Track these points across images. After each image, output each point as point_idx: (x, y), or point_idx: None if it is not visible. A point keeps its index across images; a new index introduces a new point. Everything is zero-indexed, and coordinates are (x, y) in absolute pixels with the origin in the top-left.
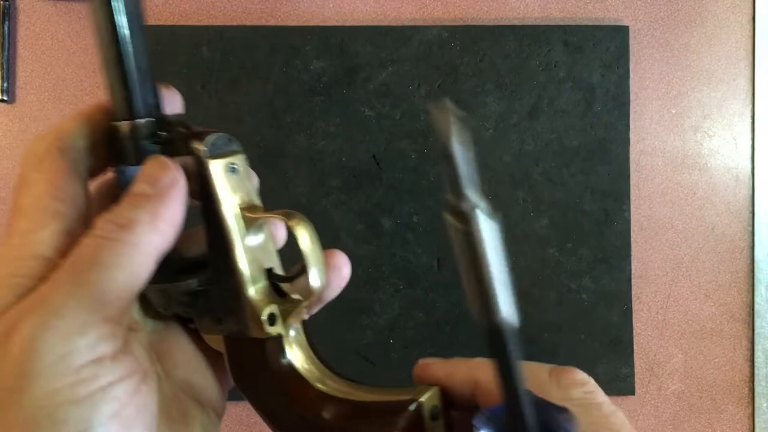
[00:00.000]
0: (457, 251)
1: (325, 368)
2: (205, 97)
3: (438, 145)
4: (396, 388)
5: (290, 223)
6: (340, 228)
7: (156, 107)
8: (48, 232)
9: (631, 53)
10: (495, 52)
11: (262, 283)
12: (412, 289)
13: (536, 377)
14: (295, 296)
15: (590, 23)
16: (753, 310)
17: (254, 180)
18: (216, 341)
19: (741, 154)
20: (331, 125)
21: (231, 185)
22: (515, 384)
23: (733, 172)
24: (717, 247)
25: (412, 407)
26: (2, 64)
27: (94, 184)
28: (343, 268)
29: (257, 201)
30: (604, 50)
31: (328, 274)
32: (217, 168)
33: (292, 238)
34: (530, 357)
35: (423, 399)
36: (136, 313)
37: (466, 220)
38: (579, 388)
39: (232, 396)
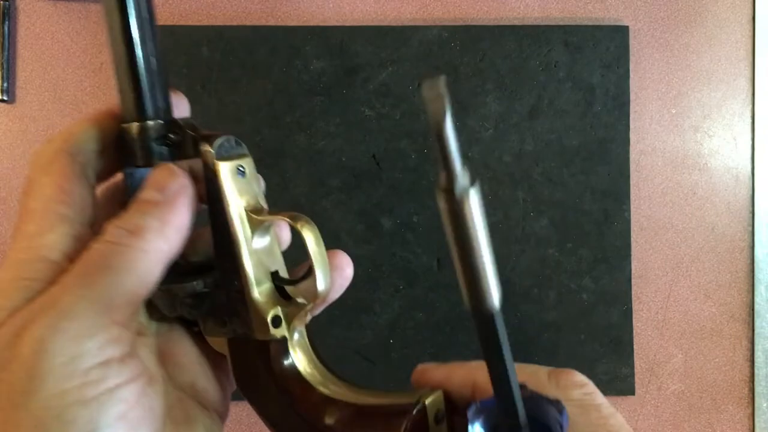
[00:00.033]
0: (449, 233)
1: (328, 372)
2: (205, 97)
3: (429, 124)
4: (399, 392)
5: (296, 226)
6: (340, 228)
7: (165, 110)
8: (55, 236)
9: (631, 53)
10: (495, 52)
11: (267, 286)
12: (412, 289)
13: (535, 379)
14: (300, 299)
15: (590, 23)
16: (753, 310)
17: (261, 182)
18: (220, 344)
19: (741, 154)
20: (331, 125)
21: (238, 188)
22: (505, 369)
23: (733, 172)
24: (717, 247)
25: (416, 410)
26: (2, 64)
27: (101, 188)
28: (346, 268)
29: (263, 203)
30: (604, 50)
31: (332, 275)
32: (224, 170)
33: (292, 240)
34: (530, 357)
35: (427, 402)
36: (142, 317)
37: (459, 200)
38: (578, 390)
39: (233, 396)
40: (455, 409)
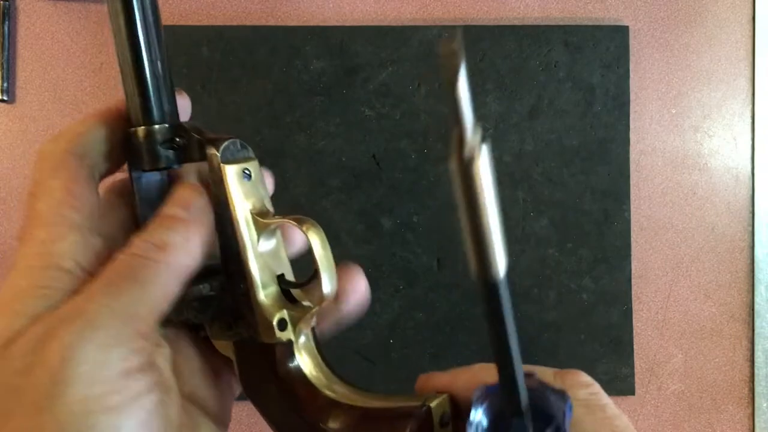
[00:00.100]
0: (459, 194)
1: (333, 375)
2: (205, 97)
3: (444, 82)
4: (405, 395)
5: (302, 229)
6: (340, 228)
7: (171, 114)
8: (66, 244)
9: (631, 53)
10: (495, 52)
11: (273, 289)
12: (412, 289)
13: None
14: (306, 303)
15: (590, 23)
16: (753, 310)
17: (269, 185)
18: (225, 347)
19: (741, 154)
20: (331, 125)
21: (244, 191)
22: (507, 340)
23: (733, 172)
24: (717, 247)
25: (422, 413)
26: (2, 64)
27: (102, 188)
28: (358, 285)
29: (269, 206)
30: (604, 50)
31: (342, 284)
32: (231, 174)
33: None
34: (530, 357)
35: (433, 405)
36: (160, 328)
37: (470, 156)
38: (584, 390)
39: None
40: (460, 413)
